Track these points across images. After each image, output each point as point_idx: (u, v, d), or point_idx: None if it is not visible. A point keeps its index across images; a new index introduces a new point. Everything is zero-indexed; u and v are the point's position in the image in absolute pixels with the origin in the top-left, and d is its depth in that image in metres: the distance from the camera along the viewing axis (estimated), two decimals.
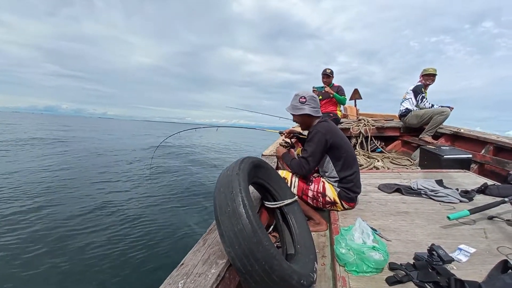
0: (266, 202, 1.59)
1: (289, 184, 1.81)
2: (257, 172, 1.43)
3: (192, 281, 0.95)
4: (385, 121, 4.91)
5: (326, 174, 1.81)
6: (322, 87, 4.66)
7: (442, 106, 4.06)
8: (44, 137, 16.13)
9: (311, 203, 1.82)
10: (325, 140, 1.67)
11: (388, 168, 3.35)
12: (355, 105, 6.56)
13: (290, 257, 1.38)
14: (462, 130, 3.76)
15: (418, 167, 3.45)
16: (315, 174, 1.99)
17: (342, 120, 5.19)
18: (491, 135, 3.31)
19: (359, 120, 4.90)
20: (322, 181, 1.81)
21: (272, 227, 1.80)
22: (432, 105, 4.09)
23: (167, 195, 5.57)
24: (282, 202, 1.53)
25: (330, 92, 4.49)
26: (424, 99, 4.09)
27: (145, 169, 8.05)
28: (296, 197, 1.64)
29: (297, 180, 1.83)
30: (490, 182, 2.31)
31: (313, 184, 1.80)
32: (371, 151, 4.43)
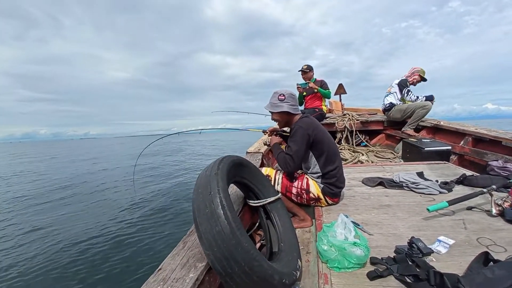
0: (250, 201, 1.57)
1: (272, 182, 1.79)
2: (238, 171, 1.40)
3: (169, 287, 0.92)
4: (369, 115, 4.97)
5: (309, 170, 1.81)
6: (306, 83, 4.67)
7: (426, 97, 4.14)
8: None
9: (295, 200, 1.81)
10: (307, 135, 1.66)
11: (372, 162, 3.40)
12: (340, 100, 6.63)
13: (274, 255, 1.36)
14: (442, 123, 3.86)
15: (401, 160, 3.52)
16: (299, 171, 1.98)
17: (327, 115, 5.23)
18: (469, 126, 3.41)
19: (344, 114, 4.94)
20: (306, 177, 1.81)
21: (257, 225, 1.78)
22: (417, 97, 4.16)
23: (149, 199, 5.46)
24: (265, 200, 1.51)
25: (314, 87, 4.50)
26: (410, 92, 4.16)
27: (128, 178, 7.89)
28: (280, 194, 1.63)
29: (280, 177, 1.81)
30: (469, 172, 2.38)
31: (296, 181, 1.79)
32: (356, 145, 4.49)
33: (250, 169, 1.52)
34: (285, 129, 2.08)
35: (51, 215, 4.73)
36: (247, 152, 2.68)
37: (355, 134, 4.58)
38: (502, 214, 1.53)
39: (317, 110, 4.55)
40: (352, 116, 4.78)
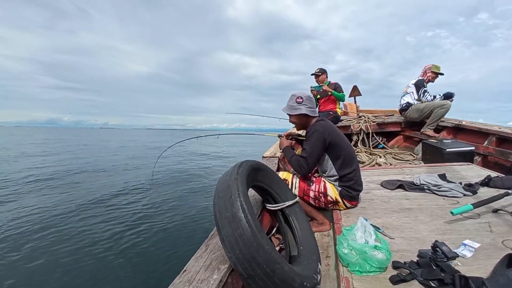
0: (268, 205, 1.59)
1: (290, 186, 1.81)
2: (256, 175, 1.43)
3: (195, 287, 0.96)
4: (386, 117, 4.88)
5: (326, 173, 1.81)
6: (320, 86, 4.66)
7: (444, 94, 4.03)
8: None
9: (313, 203, 1.81)
10: (323, 138, 1.67)
11: (391, 164, 3.33)
12: (355, 102, 6.54)
13: (293, 259, 1.38)
14: (464, 123, 3.73)
15: (421, 162, 3.43)
16: (316, 174, 1.98)
17: (342, 117, 5.18)
18: (493, 126, 3.28)
19: (360, 117, 4.88)
20: (323, 180, 1.81)
21: (275, 229, 1.80)
22: (434, 97, 4.06)
23: (170, 202, 5.58)
24: (283, 204, 1.53)
25: (328, 90, 4.48)
26: (426, 93, 4.06)
27: (147, 178, 8.09)
28: (297, 198, 1.64)
29: (298, 181, 1.82)
30: (493, 174, 2.29)
31: (314, 184, 1.80)
32: (373, 148, 4.41)
33: (268, 173, 1.55)
34: (300, 132, 2.10)
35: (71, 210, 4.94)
36: (263, 157, 2.70)
37: (372, 136, 4.50)
38: None
39: (331, 113, 4.52)
40: (368, 118, 4.71)
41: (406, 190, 2.11)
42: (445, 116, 4.02)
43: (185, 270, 1.07)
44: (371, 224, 1.51)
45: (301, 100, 1.77)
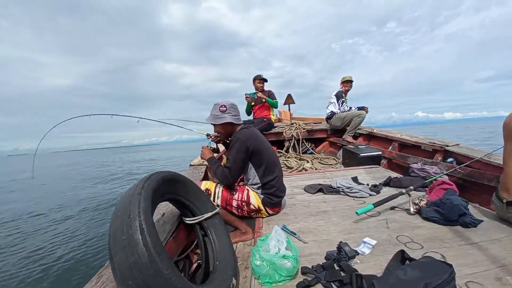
0: (185, 218, 1.49)
1: (212, 196, 1.75)
2: (170, 188, 1.32)
3: None
4: (314, 124, 5.27)
5: (249, 181, 1.81)
6: (255, 93, 4.77)
7: (359, 108, 4.57)
8: None
9: (236, 212, 1.78)
10: (246, 147, 1.66)
11: (316, 169, 3.57)
12: (289, 110, 6.91)
13: (208, 275, 1.30)
14: (375, 130, 4.27)
15: (342, 166, 3.78)
16: (241, 183, 1.97)
17: (276, 124, 5.39)
18: (396, 133, 3.83)
19: (292, 124, 5.15)
20: (247, 189, 1.80)
21: (194, 243, 1.70)
22: (350, 108, 4.58)
23: (68, 226, 4.87)
24: (201, 217, 1.45)
25: (262, 97, 4.62)
26: (344, 103, 4.54)
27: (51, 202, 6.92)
28: (217, 209, 1.58)
29: (221, 190, 1.77)
30: (394, 175, 2.65)
31: (237, 193, 1.77)
32: (303, 153, 4.69)
33: (185, 184, 1.45)
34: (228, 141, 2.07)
35: None
36: (191, 165, 2.58)
37: (302, 142, 4.79)
38: (419, 212, 1.70)
39: (265, 119, 4.66)
40: (299, 125, 5.00)
41: (325, 193, 2.26)
42: (362, 125, 4.56)
43: None
44: (288, 230, 1.55)
45: (224, 108, 1.74)
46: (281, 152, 4.69)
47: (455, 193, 1.78)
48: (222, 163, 1.85)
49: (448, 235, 1.41)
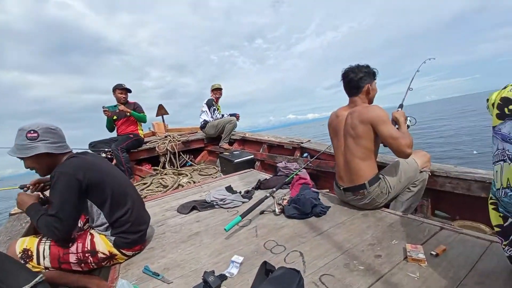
0: None
1: (35, 258, 1.26)
2: None
3: None
4: (189, 134, 5.09)
5: (94, 222, 1.41)
6: (115, 105, 4.11)
7: (231, 114, 4.73)
8: None
9: (79, 268, 1.35)
10: (76, 181, 1.25)
11: (194, 182, 3.41)
12: (163, 121, 6.44)
13: None
14: (247, 135, 4.53)
15: (221, 174, 3.77)
16: (85, 226, 1.53)
17: (148, 139, 4.87)
18: (264, 136, 4.18)
19: (165, 137, 4.77)
20: (90, 233, 1.40)
21: None
22: (223, 115, 4.68)
23: None
24: None
25: (126, 111, 4.02)
26: (215, 111, 4.59)
27: None
28: (41, 275, 1.12)
29: (48, 247, 1.29)
30: (264, 176, 2.82)
31: (75, 244, 1.34)
32: (181, 166, 4.43)
33: None
34: None
35: None
36: (11, 214, 1.86)
37: (179, 155, 4.51)
38: (283, 211, 1.81)
39: (131, 136, 4.09)
40: (173, 138, 4.69)
41: (199, 211, 2.11)
42: (235, 130, 4.75)
43: None
44: (150, 272, 1.30)
45: (35, 135, 1.26)
46: (157, 169, 4.25)
47: (308, 187, 2.02)
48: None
49: (305, 229, 1.54)
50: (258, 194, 2.32)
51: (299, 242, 1.41)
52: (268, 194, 1.89)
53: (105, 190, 1.36)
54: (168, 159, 4.39)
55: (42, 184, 1.52)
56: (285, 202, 1.88)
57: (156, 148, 4.34)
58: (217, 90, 4.73)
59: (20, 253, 1.27)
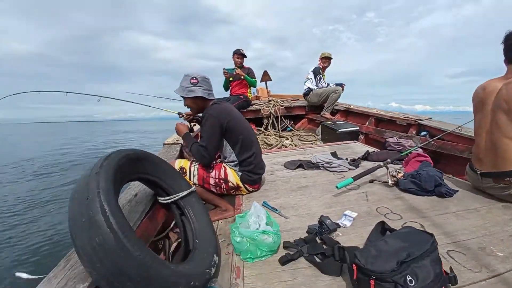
0: (160, 198, 1.39)
1: (188, 174, 1.65)
2: (138, 167, 1.21)
3: None
4: (292, 101, 5.22)
5: (226, 159, 1.73)
6: (233, 69, 4.57)
7: (336, 84, 4.55)
8: None
9: (215, 190, 1.71)
10: (219, 123, 1.57)
11: (296, 146, 3.56)
12: (266, 87, 6.76)
13: (189, 254, 1.25)
14: (352, 106, 4.31)
15: (321, 142, 3.80)
16: (219, 160, 1.88)
17: (254, 102, 5.27)
18: (372, 109, 3.89)
19: (269, 101, 5.05)
20: (224, 166, 1.72)
21: (173, 223, 1.63)
22: (328, 84, 4.54)
23: (34, 207, 4.54)
24: (176, 196, 1.36)
25: (241, 74, 4.44)
26: (321, 80, 4.49)
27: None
28: (194, 187, 1.49)
29: (196, 168, 1.68)
30: (372, 149, 2.69)
31: (214, 171, 1.69)
32: (282, 130, 4.66)
33: (153, 163, 1.34)
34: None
35: None
36: (165, 144, 2.44)
37: (281, 120, 4.74)
38: (396, 184, 1.74)
39: (241, 97, 4.52)
40: (277, 102, 4.92)
41: (305, 169, 2.25)
42: (339, 101, 4.58)
43: None
44: (269, 206, 1.51)
45: (196, 81, 1.60)
46: (260, 130, 4.62)
47: (429, 164, 1.83)
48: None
49: (425, 205, 1.44)
50: (365, 165, 2.27)
51: (418, 216, 1.34)
52: (382, 164, 1.82)
53: (238, 134, 1.64)
54: (270, 122, 4.68)
55: (191, 117, 1.93)
56: (400, 175, 1.78)
57: (261, 111, 4.68)
58: (326, 59, 4.57)
59: (178, 169, 1.69)
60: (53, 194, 5.29)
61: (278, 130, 4.60)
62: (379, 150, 2.67)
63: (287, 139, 3.95)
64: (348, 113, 4.40)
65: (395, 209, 1.43)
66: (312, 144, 3.78)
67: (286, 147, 3.47)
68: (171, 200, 1.35)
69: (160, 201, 1.40)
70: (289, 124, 4.87)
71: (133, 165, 1.15)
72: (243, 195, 1.76)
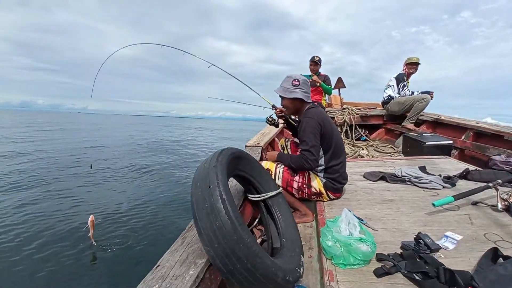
0: (250, 195, 1.52)
1: (273, 176, 1.74)
2: (238, 164, 1.35)
3: (168, 285, 0.87)
4: (369, 109, 4.93)
5: None
6: (310, 75, 4.60)
7: (422, 92, 4.11)
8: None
9: (296, 194, 1.76)
10: (319, 126, 1.60)
11: (373, 156, 3.36)
12: (339, 94, 6.56)
13: (275, 251, 1.32)
14: (442, 117, 3.82)
15: (401, 154, 3.49)
16: None
17: (326, 109, 5.17)
18: (470, 121, 3.38)
19: (343, 109, 4.89)
20: (308, 171, 1.76)
21: (257, 220, 1.74)
22: (412, 93, 4.13)
23: (143, 192, 5.32)
24: (266, 195, 1.46)
25: (317, 81, 4.43)
26: (405, 87, 4.12)
27: (118, 165, 7.68)
28: (281, 189, 1.58)
29: (281, 171, 1.76)
30: (471, 167, 2.35)
31: (298, 175, 1.74)
32: (356, 140, 4.45)
33: (250, 162, 1.47)
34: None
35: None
36: (246, 146, 2.62)
37: (355, 129, 4.54)
38: (508, 209, 1.49)
39: (316, 103, 4.49)
40: (352, 110, 4.73)
41: (388, 182, 2.12)
42: (425, 110, 4.12)
43: (158, 265, 0.98)
44: (354, 215, 1.49)
45: (297, 83, 1.67)
46: None
47: None
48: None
49: None
50: (463, 184, 2.00)
51: None
52: (491, 185, 1.58)
53: (331, 141, 1.65)
54: (344, 130, 4.53)
55: (282, 114, 1.97)
56: None
57: (335, 118, 4.56)
58: (413, 65, 4.16)
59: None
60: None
61: (352, 139, 4.41)
62: (480, 168, 2.32)
63: (363, 149, 3.76)
64: (437, 124, 3.92)
65: (506, 236, 1.24)
66: (391, 156, 3.51)
67: (362, 157, 3.31)
68: (261, 198, 1.46)
69: (250, 198, 1.52)
70: (363, 133, 4.62)
71: (235, 162, 1.29)
72: (324, 201, 1.76)
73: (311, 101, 1.74)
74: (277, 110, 1.95)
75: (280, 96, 1.75)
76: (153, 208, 4.41)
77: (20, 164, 7.42)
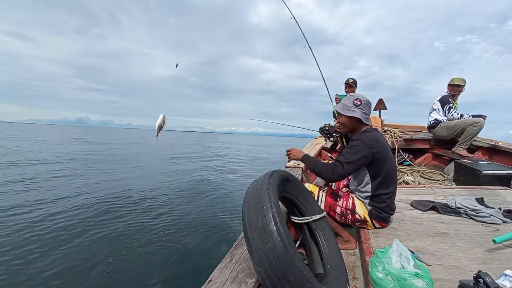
0: (293, 217, 1.54)
1: (316, 199, 1.74)
2: (285, 186, 1.39)
3: None
4: (414, 133, 4.67)
5: (358, 187, 1.71)
6: (345, 95, 4.58)
7: (473, 116, 3.81)
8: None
9: (339, 219, 1.73)
10: (369, 152, 1.55)
11: (419, 183, 3.16)
12: (380, 116, 6.33)
13: (319, 277, 1.31)
14: (500, 144, 3.49)
15: (453, 183, 3.22)
16: (344, 189, 1.90)
17: None
18: None
19: (385, 131, 4.71)
20: (352, 197, 1.72)
21: (298, 243, 1.74)
22: (462, 115, 3.86)
23: (192, 208, 5.53)
24: (310, 218, 1.47)
25: None
26: (451, 109, 3.86)
27: (166, 181, 8.09)
28: (325, 213, 1.57)
29: (324, 195, 1.75)
30: None
31: (341, 200, 1.72)
32: (399, 164, 4.23)
33: (296, 185, 1.50)
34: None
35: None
36: (286, 167, 2.65)
37: (398, 152, 4.32)
38: None
39: (374, 128, 4.41)
40: (394, 133, 4.53)
41: (440, 213, 1.97)
42: (479, 135, 3.80)
43: (210, 280, 1.04)
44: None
45: (359, 103, 1.66)
46: None
47: None
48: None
49: None
50: None
51: None
52: None
53: (382, 168, 1.59)
54: None
55: (336, 130, 1.98)
56: None
57: None
58: (456, 87, 3.92)
59: None
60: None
61: (395, 163, 4.20)
62: None
63: (408, 174, 3.56)
64: (493, 151, 3.58)
65: None
66: (441, 183, 3.26)
67: (408, 183, 3.13)
68: (305, 221, 1.47)
69: (293, 220, 1.54)
70: (407, 158, 4.37)
71: (283, 184, 1.34)
72: (368, 229, 1.70)
73: (369, 124, 1.72)
74: (337, 124, 1.93)
75: (339, 112, 1.74)
76: (201, 225, 4.51)
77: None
